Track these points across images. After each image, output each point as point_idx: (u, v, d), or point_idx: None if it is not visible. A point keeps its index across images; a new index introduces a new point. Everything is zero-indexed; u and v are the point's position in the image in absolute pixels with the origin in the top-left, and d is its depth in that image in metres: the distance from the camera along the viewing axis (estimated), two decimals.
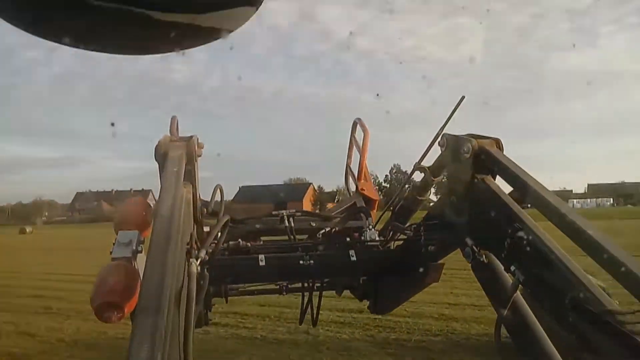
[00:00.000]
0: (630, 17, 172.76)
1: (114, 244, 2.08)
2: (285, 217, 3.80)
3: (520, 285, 2.26)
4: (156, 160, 2.59)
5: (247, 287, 4.02)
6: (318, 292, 4.04)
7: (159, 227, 1.96)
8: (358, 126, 4.62)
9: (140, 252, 2.10)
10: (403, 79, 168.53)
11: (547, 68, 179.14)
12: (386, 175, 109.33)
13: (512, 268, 2.29)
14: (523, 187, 2.31)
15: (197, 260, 2.14)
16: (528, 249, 2.21)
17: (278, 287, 3.91)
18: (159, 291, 1.60)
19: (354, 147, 4.65)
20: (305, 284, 3.90)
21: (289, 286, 3.95)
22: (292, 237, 3.71)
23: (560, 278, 2.07)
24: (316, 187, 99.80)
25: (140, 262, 2.01)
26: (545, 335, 2.35)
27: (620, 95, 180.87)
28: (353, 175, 4.64)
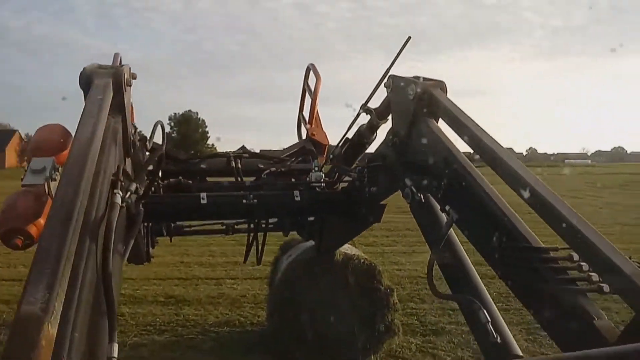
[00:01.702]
0: None
1: (25, 170, 1.96)
2: (231, 157, 3.77)
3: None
4: (81, 87, 2.43)
5: (192, 227, 4.01)
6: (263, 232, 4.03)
7: (76, 151, 1.84)
8: (311, 72, 4.60)
9: (55, 180, 1.97)
10: None
11: None
12: None
13: (447, 207, 2.39)
14: (463, 130, 2.32)
15: (126, 193, 2.07)
16: (463, 189, 2.28)
17: (224, 227, 3.93)
18: (67, 220, 1.48)
19: (307, 92, 4.61)
20: (252, 225, 3.91)
21: (235, 227, 3.97)
22: (239, 177, 3.64)
23: (491, 218, 2.13)
24: (24, 135, 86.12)
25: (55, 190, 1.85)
26: (476, 272, 2.50)
27: None
28: (305, 121, 4.60)
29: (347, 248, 6.45)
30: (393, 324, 6.14)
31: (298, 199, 3.41)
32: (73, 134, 2.06)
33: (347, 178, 3.61)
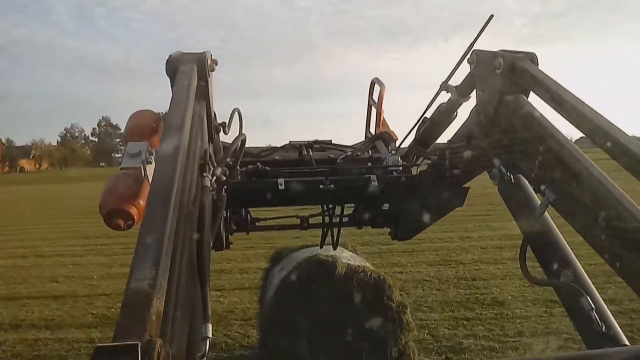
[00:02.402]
0: None
1: (123, 155, 2.04)
2: (303, 147, 3.86)
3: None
4: (167, 75, 2.52)
5: (268, 222, 4.00)
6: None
7: (169, 137, 1.88)
8: (375, 84, 4.61)
9: (150, 163, 2.03)
10: None
11: None
12: (94, 129, 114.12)
13: (542, 187, 2.21)
14: (561, 103, 2.20)
15: (212, 178, 2.13)
16: (560, 167, 2.13)
17: (299, 221, 3.93)
18: (166, 202, 1.52)
19: (372, 106, 4.59)
20: (326, 218, 3.85)
21: (309, 222, 3.95)
22: (312, 164, 3.68)
23: (595, 197, 1.95)
24: (4, 140, 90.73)
25: (151, 173, 1.92)
26: (574, 257, 2.33)
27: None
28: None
29: (349, 257, 5.50)
30: (407, 347, 5.21)
31: (375, 183, 3.32)
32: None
33: (425, 161, 3.49)
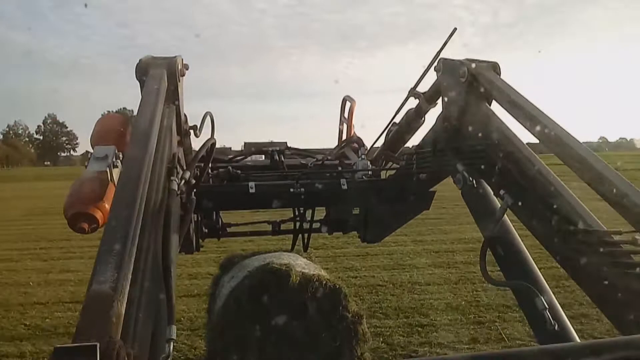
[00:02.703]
0: None
1: (89, 158, 2.04)
2: (275, 153, 3.85)
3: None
4: (137, 78, 2.52)
5: (240, 228, 4.06)
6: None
7: (136, 141, 1.88)
8: (347, 101, 4.64)
9: (117, 167, 2.04)
10: None
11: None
12: (39, 126, 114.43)
13: (502, 192, 2.30)
14: (520, 112, 2.24)
15: (180, 181, 2.12)
16: (517, 172, 2.21)
17: (271, 226, 3.94)
18: (131, 205, 1.52)
19: (343, 122, 4.59)
20: (297, 224, 3.89)
21: (281, 228, 3.97)
22: (283, 169, 3.67)
23: (549, 201, 2.04)
24: None
25: (117, 177, 1.92)
26: (531, 258, 2.40)
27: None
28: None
29: (304, 265, 5.24)
30: (362, 359, 4.98)
31: (345, 187, 3.36)
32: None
33: (393, 165, 3.56)
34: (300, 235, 4.12)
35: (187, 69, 2.73)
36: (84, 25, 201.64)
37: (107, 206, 1.87)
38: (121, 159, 2.10)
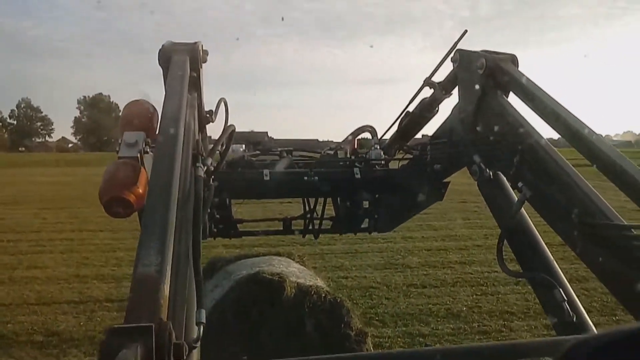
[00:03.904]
0: None
1: (119, 143, 2.08)
2: (284, 152, 3.76)
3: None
4: (160, 65, 2.58)
5: (251, 227, 3.86)
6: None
7: (166, 127, 1.95)
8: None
9: (147, 153, 2.08)
10: None
11: None
12: (12, 110, 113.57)
13: (520, 184, 2.31)
14: (538, 103, 2.28)
15: (203, 167, 2.20)
16: (537, 165, 2.23)
17: (282, 224, 3.81)
18: (167, 194, 1.59)
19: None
20: (307, 220, 3.78)
21: (292, 225, 3.83)
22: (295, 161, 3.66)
23: (568, 194, 2.08)
24: None
25: (147, 164, 2.00)
26: (548, 251, 2.39)
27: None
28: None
29: (298, 273, 4.57)
30: None
31: (358, 176, 3.39)
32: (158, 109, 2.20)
33: (406, 155, 3.55)
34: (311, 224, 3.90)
35: (207, 55, 2.76)
36: (59, 6, 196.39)
37: (140, 190, 1.91)
38: (150, 144, 2.14)
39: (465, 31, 3.09)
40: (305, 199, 3.72)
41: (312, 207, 3.77)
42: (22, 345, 6.46)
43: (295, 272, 4.57)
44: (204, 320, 1.50)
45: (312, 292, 4.20)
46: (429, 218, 16.30)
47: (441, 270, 10.51)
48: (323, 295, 4.22)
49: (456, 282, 9.44)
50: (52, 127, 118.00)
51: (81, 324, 7.29)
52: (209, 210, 3.17)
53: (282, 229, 3.86)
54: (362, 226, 3.87)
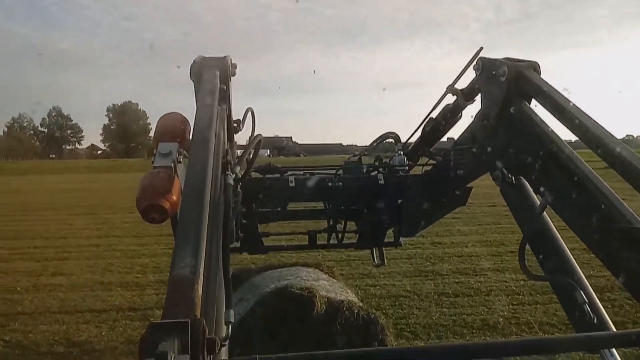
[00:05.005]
0: None
1: (153, 154, 2.19)
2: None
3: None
4: (191, 79, 2.72)
5: (275, 240, 3.94)
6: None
7: (198, 139, 2.06)
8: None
9: (180, 162, 2.18)
10: None
11: None
12: (43, 119, 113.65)
13: (542, 189, 2.36)
14: (561, 112, 2.32)
15: (232, 175, 2.29)
16: (558, 171, 2.28)
17: (307, 238, 3.77)
18: (200, 201, 1.67)
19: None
20: (333, 235, 3.76)
21: (317, 238, 3.77)
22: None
23: (589, 198, 2.10)
24: None
25: (180, 173, 2.09)
26: (570, 254, 2.42)
27: None
28: None
29: (328, 287, 4.26)
30: None
31: (382, 182, 3.43)
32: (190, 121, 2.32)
33: (429, 161, 3.60)
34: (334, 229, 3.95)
35: (235, 69, 2.89)
36: (89, 18, 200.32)
37: (174, 197, 1.99)
38: (183, 154, 2.23)
39: (481, 48, 3.13)
40: (327, 208, 3.71)
41: (335, 221, 3.75)
42: (42, 356, 6.31)
43: (325, 286, 4.27)
44: (232, 320, 1.57)
45: (344, 308, 3.90)
46: (458, 223, 15.82)
47: (474, 277, 10.07)
48: (356, 311, 3.91)
49: (490, 291, 8.99)
50: (82, 134, 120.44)
51: (103, 334, 7.10)
52: (236, 217, 3.27)
53: (307, 243, 3.85)
54: (387, 240, 3.93)
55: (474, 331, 7.12)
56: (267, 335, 3.83)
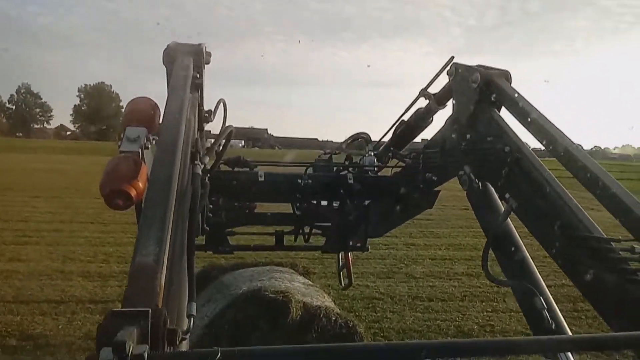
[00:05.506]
0: None
1: (121, 138, 2.14)
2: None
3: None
4: (164, 64, 2.69)
5: (241, 242, 3.91)
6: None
7: (168, 125, 2.03)
8: None
9: (147, 148, 2.14)
10: None
11: None
12: (11, 95, 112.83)
13: (507, 196, 2.43)
14: (529, 120, 2.37)
15: (202, 166, 2.33)
16: (524, 178, 2.34)
17: (274, 238, 3.81)
18: (167, 189, 1.64)
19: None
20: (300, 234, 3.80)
21: (284, 239, 3.82)
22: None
23: (553, 206, 2.17)
24: None
25: (147, 159, 2.05)
26: (531, 260, 2.50)
27: None
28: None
29: (304, 290, 3.99)
30: None
31: (351, 181, 3.44)
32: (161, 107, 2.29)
33: (399, 163, 3.61)
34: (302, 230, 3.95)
35: (210, 57, 2.84)
36: None
37: (140, 184, 1.94)
38: (151, 140, 2.19)
39: (452, 57, 3.16)
40: (295, 207, 3.68)
41: (302, 216, 3.68)
42: None
43: (300, 289, 3.99)
44: (194, 313, 1.55)
45: (321, 314, 3.64)
46: (431, 225, 15.78)
47: (447, 282, 9.95)
48: (333, 318, 3.66)
49: (465, 296, 8.87)
50: (51, 114, 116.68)
51: (59, 327, 6.68)
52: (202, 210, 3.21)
53: (274, 244, 3.85)
54: (352, 244, 3.95)
55: (449, 338, 6.95)
56: (236, 342, 3.53)
